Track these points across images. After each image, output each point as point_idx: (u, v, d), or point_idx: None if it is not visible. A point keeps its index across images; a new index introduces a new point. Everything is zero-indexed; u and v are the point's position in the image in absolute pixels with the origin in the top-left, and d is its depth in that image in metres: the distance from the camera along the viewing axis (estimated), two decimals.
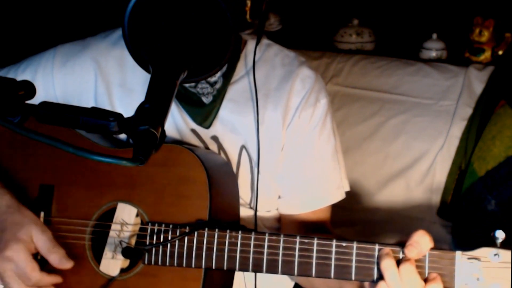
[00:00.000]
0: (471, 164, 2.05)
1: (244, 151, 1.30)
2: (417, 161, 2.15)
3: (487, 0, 2.38)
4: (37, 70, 1.33)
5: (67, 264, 1.13)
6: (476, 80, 2.20)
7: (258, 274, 1.25)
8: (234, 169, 1.30)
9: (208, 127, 1.29)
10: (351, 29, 2.56)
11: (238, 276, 1.28)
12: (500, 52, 2.32)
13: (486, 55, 2.31)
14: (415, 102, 2.24)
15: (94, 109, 0.89)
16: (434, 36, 2.40)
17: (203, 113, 1.29)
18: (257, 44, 1.29)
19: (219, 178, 1.20)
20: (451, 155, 2.12)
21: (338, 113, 2.29)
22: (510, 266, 0.98)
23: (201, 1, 1.05)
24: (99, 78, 1.32)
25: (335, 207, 1.39)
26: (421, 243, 1.01)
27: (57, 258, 1.12)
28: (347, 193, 1.42)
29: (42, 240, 1.12)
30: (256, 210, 1.30)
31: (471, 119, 2.14)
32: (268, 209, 1.35)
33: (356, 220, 2.12)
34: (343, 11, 2.63)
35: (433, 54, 2.39)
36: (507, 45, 2.32)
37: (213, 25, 1.06)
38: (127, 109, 1.32)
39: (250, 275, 1.28)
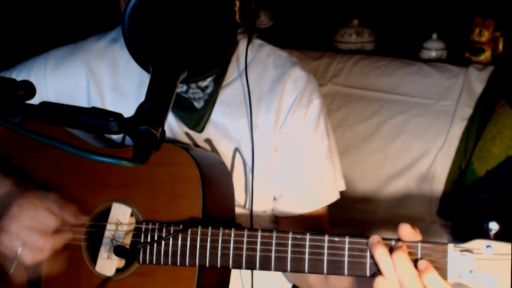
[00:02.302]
0: (471, 164, 2.05)
1: (237, 154, 1.30)
2: (417, 161, 2.16)
3: (487, 0, 2.38)
4: (30, 75, 1.34)
5: (81, 219, 1.14)
6: (476, 80, 2.20)
7: (255, 274, 1.25)
8: None
9: (200, 131, 1.29)
10: (351, 29, 2.56)
11: (235, 276, 1.28)
12: (500, 49, 2.32)
13: (486, 55, 2.31)
14: (415, 102, 2.24)
15: (94, 109, 0.89)
16: (434, 36, 2.40)
17: (195, 117, 1.28)
18: (248, 45, 1.29)
19: (213, 176, 1.20)
20: (451, 155, 2.12)
21: (338, 113, 2.29)
22: (502, 257, 0.98)
23: (201, 1, 1.05)
24: (91, 82, 1.32)
25: (335, 207, 1.39)
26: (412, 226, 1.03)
27: (71, 212, 1.13)
28: (347, 192, 1.42)
29: (51, 199, 1.12)
30: (251, 212, 1.29)
31: (471, 119, 2.14)
32: (263, 210, 1.36)
33: (356, 220, 2.12)
34: (343, 11, 2.64)
35: (433, 54, 2.39)
36: (498, 44, 2.32)
37: (213, 25, 1.06)
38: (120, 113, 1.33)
39: (247, 275, 1.28)
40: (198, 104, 1.28)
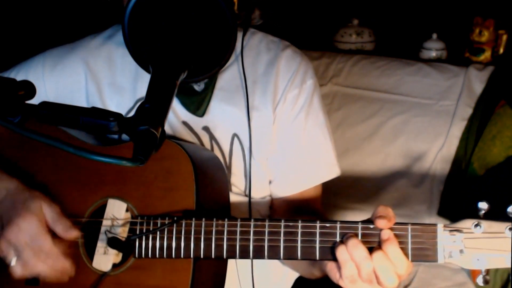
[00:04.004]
0: (471, 164, 2.05)
1: (236, 139, 1.31)
2: (417, 161, 2.16)
3: (487, 0, 2.38)
4: (28, 75, 1.35)
5: (73, 233, 1.14)
6: (476, 80, 2.20)
7: (255, 273, 1.26)
8: (227, 158, 1.31)
9: (201, 115, 1.30)
10: (351, 29, 2.56)
11: (233, 274, 1.28)
12: (501, 51, 2.32)
13: (486, 55, 2.31)
14: (415, 102, 2.24)
15: (94, 109, 0.89)
16: (434, 36, 2.40)
17: (196, 101, 1.30)
18: (244, 33, 1.32)
19: (207, 170, 1.21)
20: (451, 155, 2.13)
21: (338, 113, 2.29)
22: (493, 236, 0.99)
23: (201, 1, 1.05)
24: (89, 78, 1.33)
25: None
26: (387, 212, 1.03)
27: (62, 228, 1.13)
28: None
29: (49, 212, 1.14)
30: (250, 197, 1.30)
31: (471, 119, 2.14)
32: (263, 196, 1.36)
33: (356, 220, 2.12)
34: (343, 11, 2.64)
35: (433, 54, 2.39)
36: (502, 42, 2.32)
37: (213, 25, 1.06)
38: (118, 107, 1.33)
39: (244, 272, 1.28)
40: (198, 87, 1.29)
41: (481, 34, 2.30)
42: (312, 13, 2.69)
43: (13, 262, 1.10)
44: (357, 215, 2.14)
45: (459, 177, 2.09)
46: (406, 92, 2.27)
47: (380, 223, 1.03)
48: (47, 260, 1.11)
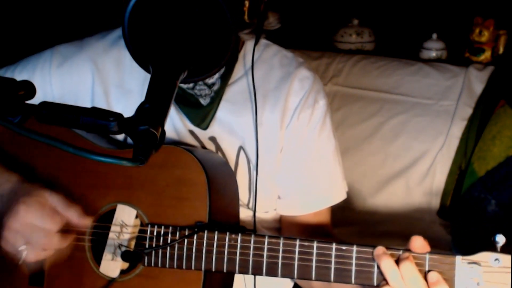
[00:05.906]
0: (471, 164, 2.05)
1: (242, 152, 1.30)
2: (417, 161, 2.16)
3: (487, 0, 2.38)
4: (35, 70, 1.34)
5: (85, 220, 1.13)
6: (476, 80, 2.20)
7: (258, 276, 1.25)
8: (232, 169, 1.30)
9: (205, 128, 1.29)
10: (351, 29, 2.56)
11: (238, 276, 1.28)
12: (501, 51, 2.32)
13: (486, 55, 2.31)
14: (415, 102, 2.24)
15: (94, 109, 0.89)
16: (434, 36, 2.40)
17: (201, 114, 1.28)
18: (255, 44, 1.29)
19: (219, 179, 1.20)
20: (451, 155, 2.12)
21: (338, 113, 2.29)
22: (506, 270, 0.98)
23: (201, 1, 1.05)
24: (97, 78, 1.32)
25: (335, 207, 1.39)
26: (421, 239, 1.02)
27: (75, 214, 1.12)
28: (347, 192, 1.42)
29: (57, 199, 1.12)
30: (255, 212, 1.29)
31: (471, 119, 2.14)
32: (266, 210, 1.35)
33: (356, 220, 2.12)
34: (343, 11, 2.63)
35: (433, 54, 2.39)
36: (501, 41, 2.32)
37: (213, 26, 1.06)
38: (124, 110, 1.32)
39: (250, 276, 1.28)
40: (204, 101, 1.28)
41: (481, 34, 2.30)
42: (312, 13, 2.69)
43: (23, 247, 1.09)
44: (357, 215, 2.14)
45: (459, 177, 2.09)
46: (406, 92, 2.27)
47: (415, 242, 1.02)
48: (59, 237, 1.10)
